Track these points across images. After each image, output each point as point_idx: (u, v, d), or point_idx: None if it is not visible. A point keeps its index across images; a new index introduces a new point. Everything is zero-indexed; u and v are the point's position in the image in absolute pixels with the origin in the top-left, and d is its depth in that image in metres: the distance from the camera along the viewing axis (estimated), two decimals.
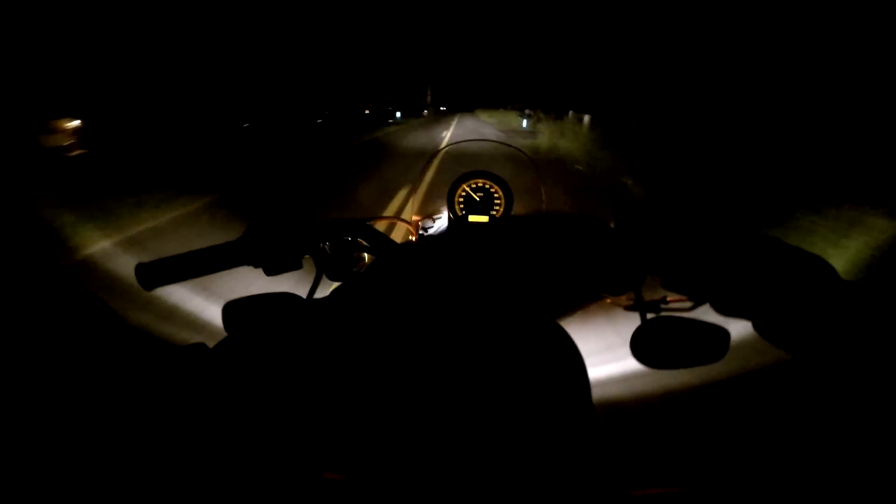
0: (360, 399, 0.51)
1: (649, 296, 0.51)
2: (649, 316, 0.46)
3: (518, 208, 0.71)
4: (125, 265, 2.59)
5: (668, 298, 0.51)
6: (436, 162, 0.90)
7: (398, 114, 27.83)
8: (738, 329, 0.44)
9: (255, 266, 0.50)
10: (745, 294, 0.38)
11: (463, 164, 0.94)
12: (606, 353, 1.76)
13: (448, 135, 15.55)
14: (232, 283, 1.02)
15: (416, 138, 14.11)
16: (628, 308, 0.54)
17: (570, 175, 7.31)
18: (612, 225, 0.52)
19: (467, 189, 0.69)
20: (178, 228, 3.68)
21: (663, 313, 0.48)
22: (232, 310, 0.47)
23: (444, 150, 0.97)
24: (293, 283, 0.53)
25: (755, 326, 0.38)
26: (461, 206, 0.69)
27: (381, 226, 0.72)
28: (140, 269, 0.46)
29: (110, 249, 3.09)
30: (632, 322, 0.47)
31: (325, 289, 0.53)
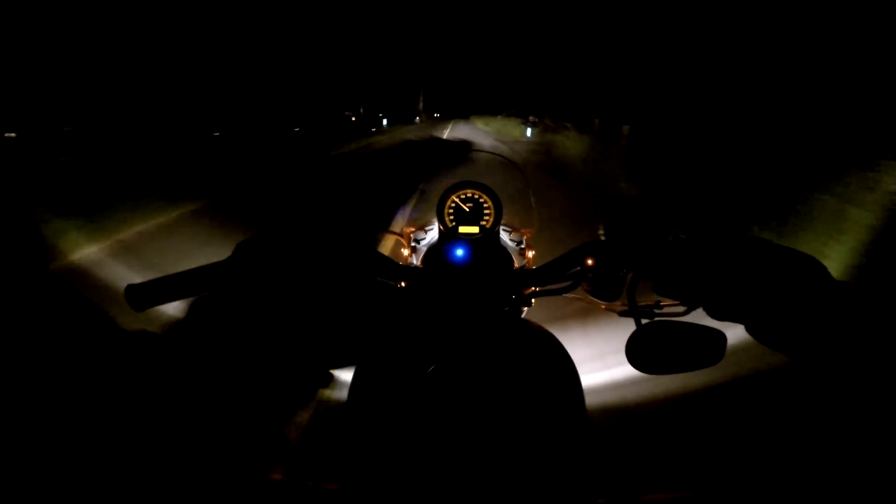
0: (356, 408, 0.50)
1: (644, 301, 0.51)
2: (644, 321, 0.46)
3: (508, 217, 0.70)
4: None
5: (662, 303, 0.51)
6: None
7: (384, 121, 25.94)
8: (734, 331, 0.44)
9: None
10: (738, 297, 0.38)
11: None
12: (603, 360, 1.76)
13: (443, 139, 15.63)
14: None
15: (399, 153, 12.15)
16: (623, 314, 0.53)
17: None
18: (602, 232, 0.52)
19: (456, 200, 0.69)
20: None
21: (657, 318, 0.48)
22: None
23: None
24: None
25: (748, 329, 0.38)
26: (451, 217, 0.68)
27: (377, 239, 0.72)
28: (130, 290, 0.45)
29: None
30: (626, 328, 0.46)
31: None
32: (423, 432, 0.45)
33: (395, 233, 0.78)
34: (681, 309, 0.48)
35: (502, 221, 0.69)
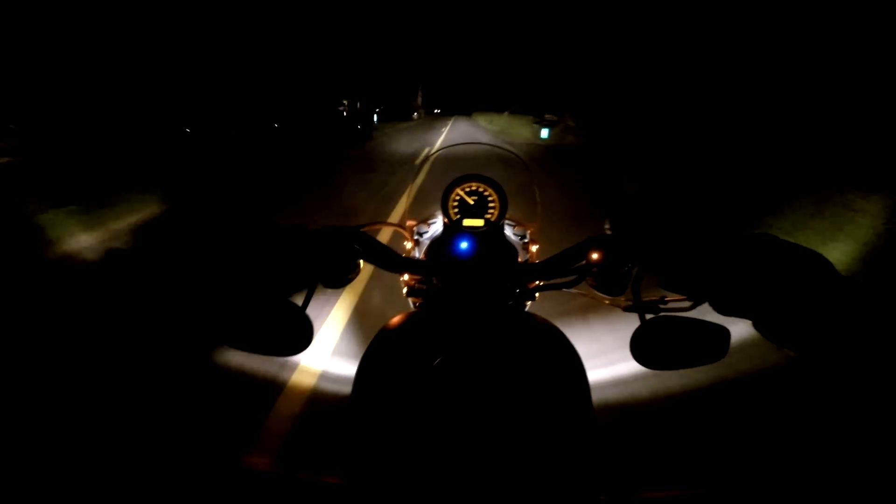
0: (361, 401, 0.50)
1: (647, 296, 0.51)
2: (648, 316, 0.46)
3: (513, 210, 0.70)
4: None
5: (667, 298, 0.50)
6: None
7: (375, 117, 22.04)
8: (739, 327, 0.44)
9: None
10: (745, 293, 0.38)
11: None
12: (608, 356, 1.76)
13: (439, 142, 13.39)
14: None
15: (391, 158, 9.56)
16: (627, 309, 0.53)
17: None
18: (607, 226, 0.52)
19: (461, 193, 0.69)
20: None
21: (662, 313, 0.48)
22: (227, 317, 0.47)
23: None
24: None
25: (755, 325, 0.38)
26: (455, 210, 0.68)
27: (374, 230, 0.72)
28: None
29: None
30: (631, 323, 0.46)
31: (320, 296, 0.53)
32: (428, 426, 0.44)
33: (397, 225, 0.78)
34: (686, 304, 0.48)
35: (506, 215, 0.68)
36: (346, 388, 0.51)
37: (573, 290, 0.58)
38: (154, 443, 1.25)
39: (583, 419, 0.48)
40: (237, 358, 1.73)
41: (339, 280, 0.58)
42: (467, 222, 0.67)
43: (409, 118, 36.41)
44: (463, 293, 0.58)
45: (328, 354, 1.89)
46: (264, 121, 13.35)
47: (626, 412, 1.50)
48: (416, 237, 0.78)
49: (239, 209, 4.37)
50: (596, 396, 0.49)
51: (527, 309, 0.68)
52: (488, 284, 0.58)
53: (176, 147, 9.28)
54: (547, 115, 15.36)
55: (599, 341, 1.86)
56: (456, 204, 0.68)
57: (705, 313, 0.44)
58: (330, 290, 0.58)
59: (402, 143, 12.85)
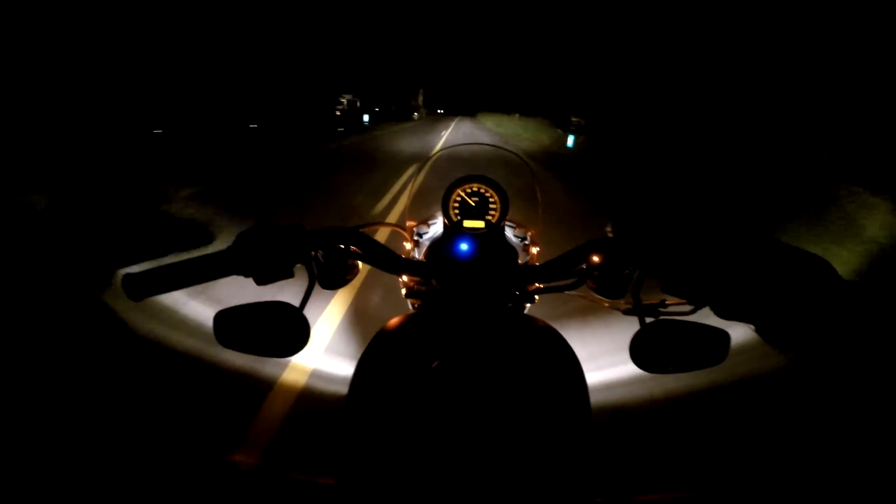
0: (358, 403, 0.50)
1: (648, 299, 0.51)
2: (648, 320, 0.46)
3: (514, 212, 0.70)
4: None
5: (668, 302, 0.50)
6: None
7: (366, 117, 20.03)
8: (739, 331, 0.44)
9: (246, 276, 0.49)
10: (746, 297, 0.38)
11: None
12: (607, 358, 1.76)
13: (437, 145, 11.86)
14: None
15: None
16: (627, 312, 0.53)
17: None
18: (609, 229, 0.51)
19: (462, 194, 0.68)
20: None
21: (662, 317, 0.48)
22: (224, 319, 0.46)
23: None
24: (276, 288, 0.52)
25: (757, 329, 0.38)
26: (456, 211, 0.68)
27: (373, 231, 0.71)
28: (127, 279, 0.44)
29: None
30: (631, 326, 0.46)
31: (318, 296, 0.52)
32: (425, 429, 0.44)
33: (396, 226, 0.77)
34: (686, 308, 0.48)
35: (507, 217, 0.68)
36: (339, 388, 0.51)
37: (573, 293, 0.58)
38: (142, 441, 1.24)
39: (580, 422, 0.48)
40: (226, 353, 1.72)
41: (337, 281, 0.57)
42: (468, 224, 0.66)
43: (409, 118, 34.12)
44: (462, 295, 0.58)
45: (321, 352, 1.88)
46: (239, 121, 12.28)
47: (623, 414, 1.51)
48: (415, 238, 0.77)
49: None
50: (594, 398, 0.49)
51: (526, 311, 0.68)
52: (488, 287, 0.58)
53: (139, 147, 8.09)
54: (575, 119, 12.09)
55: (597, 344, 1.87)
56: (457, 205, 0.68)
57: (705, 317, 0.44)
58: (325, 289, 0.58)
59: (384, 152, 9.87)
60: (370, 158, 8.44)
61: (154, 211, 3.90)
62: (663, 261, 0.44)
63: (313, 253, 0.53)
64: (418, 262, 0.61)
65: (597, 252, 0.51)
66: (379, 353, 0.55)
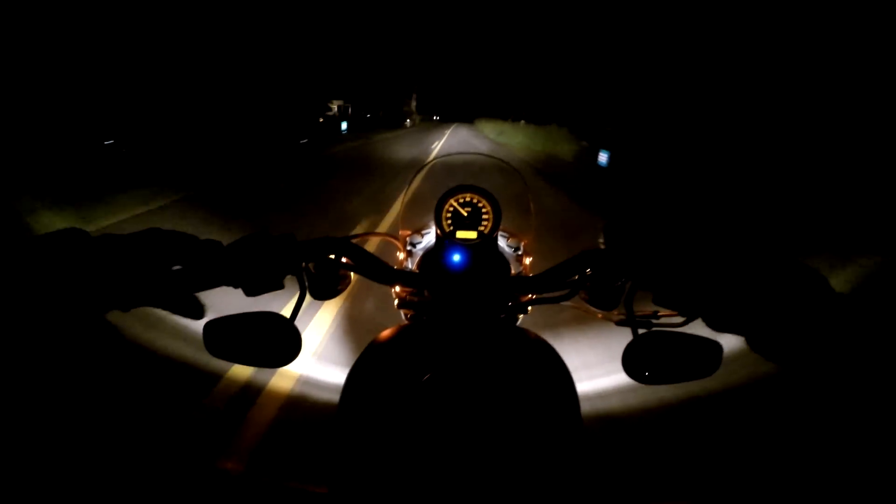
0: (349, 413, 0.50)
1: (641, 310, 0.51)
2: (641, 331, 0.46)
3: (507, 222, 0.70)
4: None
5: (660, 313, 0.51)
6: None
7: (343, 125, 17.96)
8: (732, 342, 0.44)
9: (235, 286, 0.49)
10: (738, 308, 0.38)
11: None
12: (604, 366, 1.77)
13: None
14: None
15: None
16: (620, 323, 0.53)
17: None
18: (601, 240, 0.52)
19: (455, 204, 0.68)
20: None
21: (655, 328, 0.48)
22: (214, 329, 0.46)
23: None
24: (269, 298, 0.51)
25: (748, 341, 0.38)
26: (448, 221, 0.68)
27: (365, 241, 0.71)
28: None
29: None
30: (624, 337, 0.46)
31: (309, 307, 0.52)
32: (417, 440, 0.44)
33: (389, 235, 0.77)
34: (679, 319, 0.48)
35: (500, 227, 0.68)
36: (328, 395, 0.50)
37: (566, 304, 0.58)
38: (129, 446, 1.22)
39: (571, 433, 0.48)
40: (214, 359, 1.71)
41: (328, 291, 0.57)
42: (460, 234, 0.66)
43: (401, 126, 31.36)
44: (455, 307, 0.58)
45: (311, 359, 1.87)
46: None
47: (619, 424, 1.51)
48: (408, 248, 0.77)
49: None
50: (588, 408, 0.49)
51: (519, 323, 0.68)
52: (480, 298, 0.58)
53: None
54: (607, 129, 9.91)
55: (593, 353, 1.88)
56: (449, 215, 0.68)
57: (699, 328, 0.45)
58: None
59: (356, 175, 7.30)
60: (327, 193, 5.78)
61: None
62: (655, 273, 0.44)
63: (304, 264, 0.53)
64: (410, 272, 0.61)
65: (589, 263, 0.51)
66: (371, 363, 0.54)
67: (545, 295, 0.57)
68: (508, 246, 0.77)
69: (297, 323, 0.47)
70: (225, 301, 0.53)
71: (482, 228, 0.67)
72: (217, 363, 1.71)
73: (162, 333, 1.90)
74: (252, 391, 1.63)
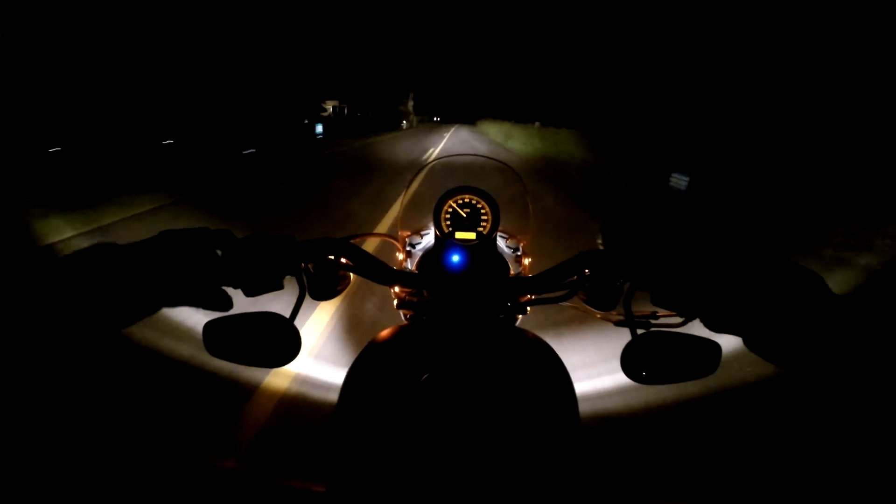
0: (348, 412, 0.50)
1: (639, 311, 0.51)
2: (639, 331, 0.46)
3: (505, 223, 0.70)
4: None
5: (659, 313, 0.51)
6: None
7: (318, 128, 16.19)
8: (730, 342, 0.45)
9: (234, 287, 0.49)
10: (735, 309, 0.38)
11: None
12: (604, 365, 1.77)
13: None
14: None
15: None
16: (618, 324, 0.54)
17: None
18: (600, 241, 0.52)
19: (454, 205, 0.68)
20: None
21: (653, 329, 0.48)
22: (214, 329, 0.46)
23: None
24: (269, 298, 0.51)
25: (745, 342, 0.39)
26: (448, 222, 0.68)
27: (361, 241, 0.71)
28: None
29: None
30: (623, 337, 0.47)
31: (308, 308, 0.52)
32: (415, 439, 0.44)
33: (388, 236, 0.77)
34: (677, 320, 0.49)
35: (499, 228, 0.69)
36: (326, 393, 0.51)
37: (565, 304, 0.58)
38: (126, 442, 1.22)
39: (569, 434, 0.48)
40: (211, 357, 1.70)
41: (328, 292, 0.57)
42: (459, 235, 0.66)
43: (396, 127, 28.60)
44: (454, 307, 0.58)
45: (309, 358, 1.86)
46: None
47: (618, 423, 1.51)
48: (408, 248, 0.77)
49: None
50: (588, 408, 0.50)
51: (518, 323, 0.68)
52: (480, 298, 0.58)
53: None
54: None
55: (596, 351, 1.88)
56: (448, 216, 0.68)
57: (697, 328, 0.45)
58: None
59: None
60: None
61: None
62: (653, 273, 0.45)
63: (303, 265, 0.53)
64: (409, 273, 0.61)
65: (588, 264, 0.51)
66: (370, 363, 0.54)
67: (544, 295, 0.57)
68: (507, 247, 0.77)
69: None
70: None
71: (481, 229, 0.67)
72: (216, 362, 1.70)
73: (162, 334, 1.89)
74: (248, 389, 1.63)
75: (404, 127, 31.23)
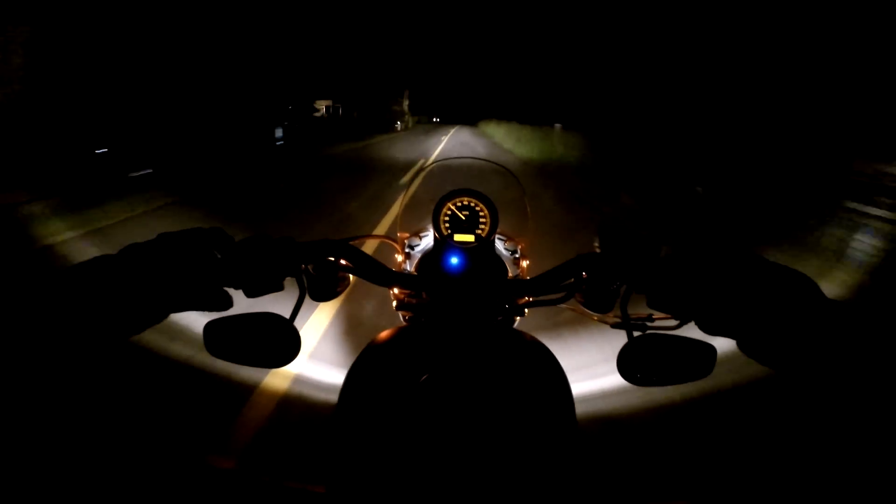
0: (347, 413, 0.50)
1: (636, 313, 0.52)
2: (635, 334, 0.47)
3: (503, 225, 0.71)
4: None
5: (654, 316, 0.52)
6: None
7: (278, 132, 14.35)
8: (726, 344, 0.46)
9: (236, 288, 0.49)
10: (729, 312, 0.39)
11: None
12: (603, 366, 1.78)
13: None
14: None
15: None
16: (615, 326, 0.54)
17: None
18: (597, 244, 0.53)
19: (452, 207, 0.69)
20: None
21: (649, 331, 0.49)
22: (214, 329, 0.46)
23: None
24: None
25: (739, 344, 0.39)
26: (446, 225, 0.68)
27: (361, 242, 0.72)
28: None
29: None
30: (620, 339, 0.48)
31: (308, 308, 0.52)
32: (414, 441, 0.45)
33: (387, 237, 0.78)
34: (673, 322, 0.49)
35: (497, 230, 0.69)
36: (325, 394, 0.51)
37: (562, 306, 0.59)
38: (125, 442, 1.21)
39: (567, 435, 0.48)
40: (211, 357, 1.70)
41: (327, 293, 0.57)
42: (458, 237, 0.67)
43: (390, 129, 26.42)
44: (453, 309, 0.58)
45: (305, 358, 1.86)
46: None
47: (614, 425, 1.52)
48: (407, 250, 0.78)
49: None
50: (584, 409, 0.51)
51: (516, 325, 0.68)
52: (478, 301, 0.58)
53: None
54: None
55: (598, 351, 1.89)
56: (447, 219, 0.68)
57: (693, 331, 0.46)
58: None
59: None
60: None
61: None
62: (648, 276, 0.45)
63: (303, 266, 0.53)
64: (408, 275, 0.62)
65: (585, 267, 0.52)
66: (369, 364, 0.55)
67: (541, 298, 0.58)
68: (506, 249, 0.78)
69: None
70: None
71: (480, 232, 0.68)
72: (215, 363, 1.70)
73: (161, 334, 1.89)
74: (246, 389, 1.62)
75: (398, 129, 29.34)
